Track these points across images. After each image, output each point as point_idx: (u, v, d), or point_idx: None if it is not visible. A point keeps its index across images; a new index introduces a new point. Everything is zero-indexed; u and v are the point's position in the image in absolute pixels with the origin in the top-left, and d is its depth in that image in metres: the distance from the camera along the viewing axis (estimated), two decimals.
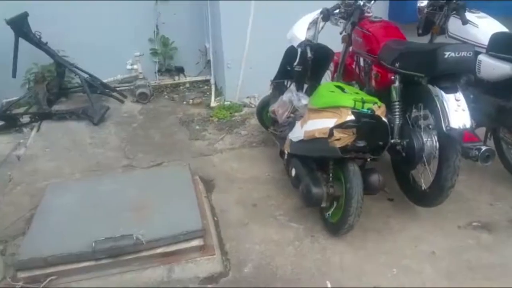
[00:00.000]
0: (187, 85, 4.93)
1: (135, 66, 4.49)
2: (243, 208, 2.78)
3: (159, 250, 2.21)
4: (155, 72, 4.82)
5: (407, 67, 2.49)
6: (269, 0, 3.95)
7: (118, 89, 4.52)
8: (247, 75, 4.24)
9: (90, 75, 4.31)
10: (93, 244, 2.13)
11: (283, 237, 2.51)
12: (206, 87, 4.87)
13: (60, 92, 4.36)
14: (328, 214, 2.49)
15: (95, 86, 4.29)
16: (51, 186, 2.79)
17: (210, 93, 4.61)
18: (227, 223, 2.64)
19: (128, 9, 4.47)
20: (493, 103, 2.82)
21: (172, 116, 4.18)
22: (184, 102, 4.51)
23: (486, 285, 2.17)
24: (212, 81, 4.75)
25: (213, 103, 4.38)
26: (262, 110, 3.54)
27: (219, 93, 4.61)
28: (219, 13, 4.05)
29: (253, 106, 4.22)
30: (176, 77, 4.93)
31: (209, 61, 4.83)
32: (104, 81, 4.43)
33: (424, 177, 2.55)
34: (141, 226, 2.24)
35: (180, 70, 4.94)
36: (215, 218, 2.67)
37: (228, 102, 4.32)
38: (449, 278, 2.23)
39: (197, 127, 3.94)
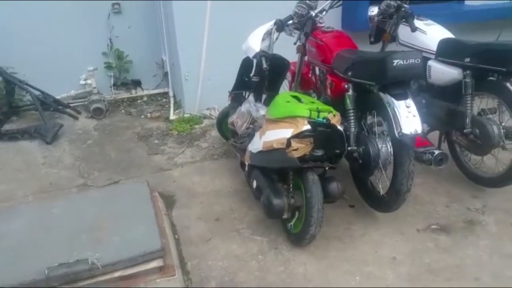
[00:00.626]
0: (145, 98, 4.85)
1: (89, 81, 4.38)
2: (205, 223, 2.73)
3: (116, 274, 2.12)
4: (111, 86, 4.71)
5: (359, 76, 2.55)
6: (223, 14, 3.96)
7: (71, 105, 4.39)
8: (206, 87, 4.21)
9: (42, 92, 4.17)
10: (46, 271, 2.02)
11: (247, 251, 2.48)
12: (164, 100, 4.81)
13: (11, 110, 4.20)
14: (290, 225, 2.49)
15: (47, 103, 4.14)
16: (0, 211, 2.66)
17: (169, 106, 4.54)
18: (188, 240, 2.58)
19: (79, 23, 4.38)
20: (443, 107, 2.93)
21: (130, 131, 4.08)
22: (142, 116, 4.43)
23: (446, 286, 2.22)
24: (170, 94, 4.70)
25: (172, 116, 4.32)
26: (222, 121, 3.52)
27: (178, 105, 4.55)
28: (174, 25, 4.02)
29: (213, 117, 4.19)
30: (133, 91, 4.84)
31: (166, 74, 4.78)
32: (57, 97, 4.30)
33: (382, 182, 2.60)
34: (97, 250, 2.15)
35: (137, 83, 4.86)
36: (176, 236, 2.62)
37: (188, 115, 4.27)
38: (411, 282, 2.26)
39: (156, 141, 3.87)
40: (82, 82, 4.40)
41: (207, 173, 3.33)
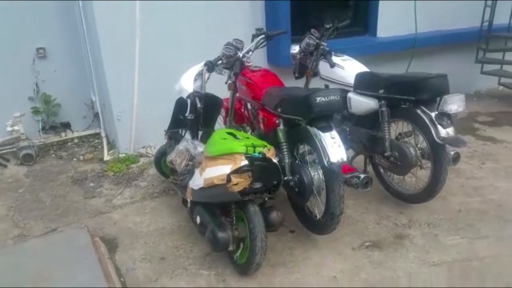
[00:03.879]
0: (76, 140, 4.82)
1: (16, 127, 4.28)
2: (150, 263, 2.78)
3: None
4: (39, 131, 4.64)
5: (287, 112, 2.79)
6: (153, 53, 4.10)
7: None
8: (140, 126, 4.28)
9: None
10: None
11: (195, 287, 2.57)
12: (96, 140, 4.80)
13: None
14: (236, 256, 2.62)
15: None
16: None
17: (102, 147, 4.55)
18: (135, 282, 2.62)
19: (3, 69, 4.33)
20: (365, 134, 3.26)
21: (63, 175, 4.04)
22: (74, 159, 4.39)
23: None
24: (102, 134, 4.70)
25: (106, 157, 4.32)
26: (160, 159, 3.61)
27: (111, 146, 4.57)
28: (103, 67, 4.08)
29: (150, 155, 4.25)
30: (63, 134, 4.79)
31: (97, 114, 4.79)
32: None
33: (317, 207, 2.82)
34: None
35: (66, 126, 4.83)
36: (122, 279, 2.63)
37: (123, 154, 4.30)
38: None
39: (92, 184, 3.85)
40: (8, 128, 4.29)
41: (148, 212, 3.38)
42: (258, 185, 2.43)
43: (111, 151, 4.44)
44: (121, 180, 3.89)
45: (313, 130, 2.66)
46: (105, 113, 4.62)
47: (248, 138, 2.68)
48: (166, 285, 2.59)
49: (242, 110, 3.60)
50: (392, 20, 5.13)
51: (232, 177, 2.37)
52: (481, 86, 6.01)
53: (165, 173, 3.63)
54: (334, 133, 2.62)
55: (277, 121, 2.87)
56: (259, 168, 2.40)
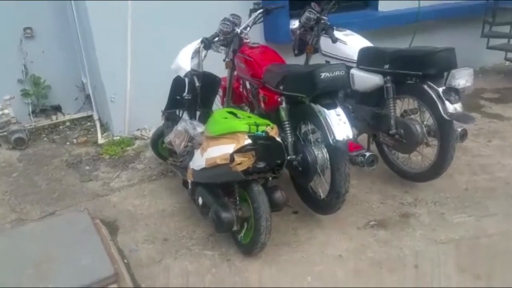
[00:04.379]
0: (68, 123, 4.86)
1: (6, 111, 4.31)
2: (153, 245, 2.86)
3: None
4: (29, 114, 4.68)
5: (290, 89, 2.84)
6: (145, 31, 4.11)
7: None
8: (134, 108, 4.32)
9: None
10: None
11: (200, 267, 2.65)
12: (89, 123, 4.85)
13: None
14: (241, 236, 2.70)
15: None
16: None
17: (95, 130, 4.60)
18: (139, 263, 2.70)
19: None
20: (369, 111, 3.31)
21: (57, 159, 4.09)
22: (68, 143, 4.44)
23: (390, 277, 2.53)
24: (95, 117, 4.75)
25: (100, 140, 4.38)
26: (157, 141, 3.67)
27: (105, 128, 4.61)
28: (94, 47, 4.10)
29: (145, 138, 4.31)
30: (54, 117, 4.84)
31: (89, 96, 4.82)
32: None
33: (321, 187, 2.90)
34: (48, 282, 2.24)
35: (57, 109, 4.87)
36: (125, 261, 2.71)
37: (118, 137, 4.35)
38: (358, 276, 2.56)
39: (87, 167, 3.91)
40: None
41: (147, 194, 3.45)
42: (261, 164, 2.49)
43: (104, 134, 4.49)
44: (117, 163, 3.95)
45: (317, 107, 2.71)
46: (97, 95, 4.65)
47: (249, 117, 2.73)
48: (171, 265, 2.68)
49: (241, 89, 3.64)
50: None
51: (235, 156, 2.43)
52: (487, 61, 6.08)
53: (162, 155, 3.70)
54: (339, 110, 2.68)
55: (279, 99, 2.92)
56: (262, 147, 2.46)
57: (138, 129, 4.46)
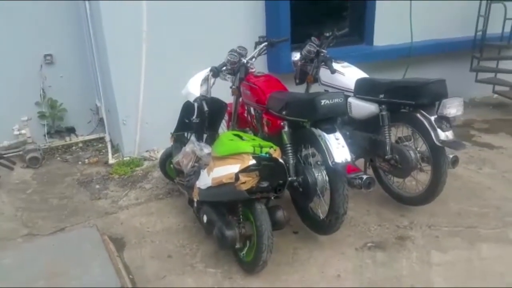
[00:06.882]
0: (80, 144, 4.86)
1: (22, 131, 4.33)
2: (158, 261, 2.82)
3: None
4: (44, 135, 4.68)
5: (292, 114, 2.86)
6: (158, 60, 4.15)
7: (6, 156, 4.26)
8: (144, 130, 4.34)
9: None
10: None
11: (202, 284, 2.60)
12: (100, 145, 4.84)
13: None
14: (243, 254, 2.66)
15: None
16: None
17: (106, 151, 4.59)
18: (144, 279, 2.65)
19: (11, 74, 4.40)
20: (366, 137, 3.31)
21: (68, 177, 4.07)
22: (80, 162, 4.43)
23: None
24: (107, 139, 4.75)
25: (111, 160, 4.37)
26: (165, 162, 3.66)
27: (116, 149, 4.61)
28: (109, 75, 4.13)
29: (154, 159, 4.30)
30: (67, 138, 4.84)
31: (101, 119, 4.83)
32: None
33: (321, 208, 2.87)
34: None
35: (71, 130, 4.88)
36: (131, 276, 2.66)
37: (128, 158, 4.34)
38: None
39: (97, 186, 3.89)
40: (16, 132, 4.36)
41: (154, 213, 3.42)
42: (265, 184, 2.48)
43: (115, 155, 4.48)
44: (126, 182, 3.92)
45: (318, 131, 2.72)
46: (109, 118, 4.67)
47: (254, 139, 2.73)
48: (174, 282, 2.63)
49: (245, 115, 3.66)
50: (388, 30, 5.22)
51: (240, 175, 2.42)
52: (476, 94, 6.11)
53: (169, 176, 3.68)
54: (338, 134, 2.69)
55: (281, 124, 2.93)
56: (266, 167, 2.46)
57: (147, 150, 4.45)
